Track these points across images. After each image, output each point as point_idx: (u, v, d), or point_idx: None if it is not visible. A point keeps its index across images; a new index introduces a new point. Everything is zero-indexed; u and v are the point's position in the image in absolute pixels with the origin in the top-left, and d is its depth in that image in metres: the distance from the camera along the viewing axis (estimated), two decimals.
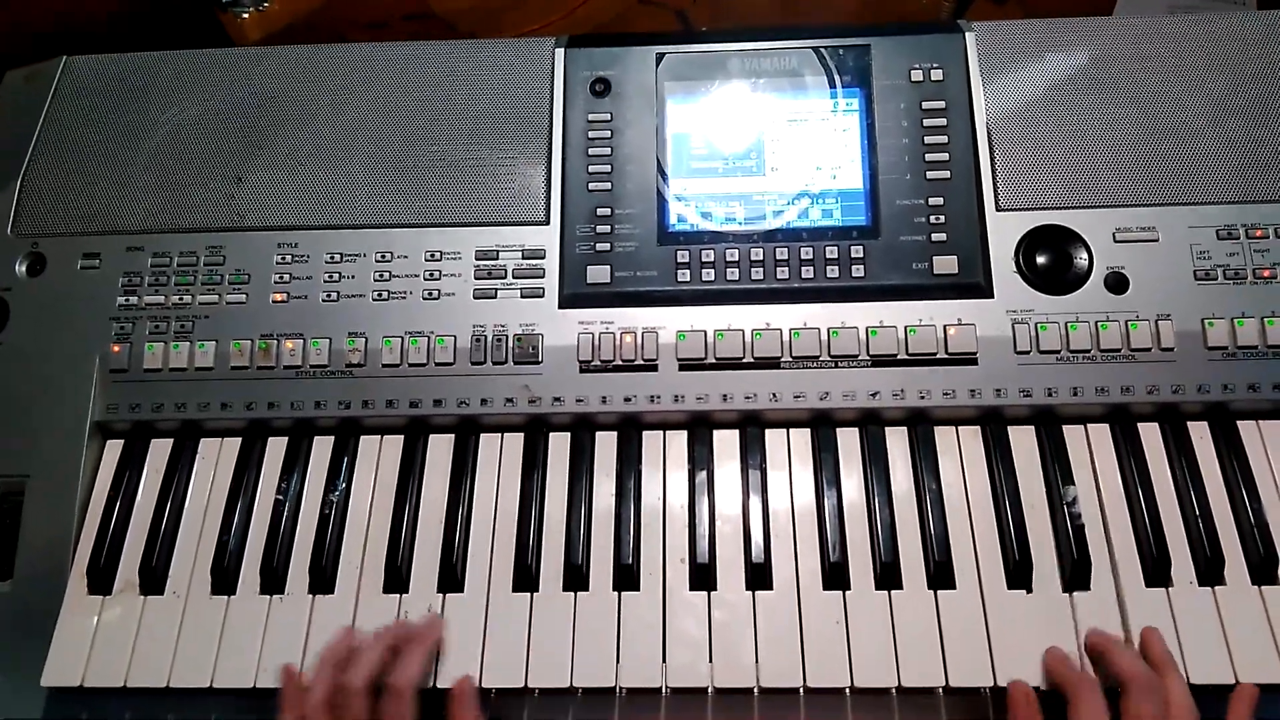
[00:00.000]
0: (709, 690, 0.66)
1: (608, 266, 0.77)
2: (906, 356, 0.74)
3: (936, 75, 0.80)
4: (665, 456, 0.75)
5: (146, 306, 0.78)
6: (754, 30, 0.83)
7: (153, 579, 0.71)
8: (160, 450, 0.77)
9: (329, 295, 0.77)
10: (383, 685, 0.63)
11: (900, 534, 0.71)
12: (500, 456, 0.75)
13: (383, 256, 0.78)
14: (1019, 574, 0.68)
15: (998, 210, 0.77)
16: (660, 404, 0.74)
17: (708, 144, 0.80)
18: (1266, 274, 0.74)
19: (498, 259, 0.78)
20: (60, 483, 0.74)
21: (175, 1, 1.11)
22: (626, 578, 0.70)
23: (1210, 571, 0.68)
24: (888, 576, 0.69)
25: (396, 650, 0.65)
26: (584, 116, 0.81)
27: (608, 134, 0.80)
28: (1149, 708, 0.60)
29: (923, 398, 0.73)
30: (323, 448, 0.76)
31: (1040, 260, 0.75)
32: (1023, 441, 0.74)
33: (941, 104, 0.79)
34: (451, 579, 0.70)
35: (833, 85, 0.81)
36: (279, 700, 0.65)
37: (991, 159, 0.78)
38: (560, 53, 0.83)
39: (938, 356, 0.74)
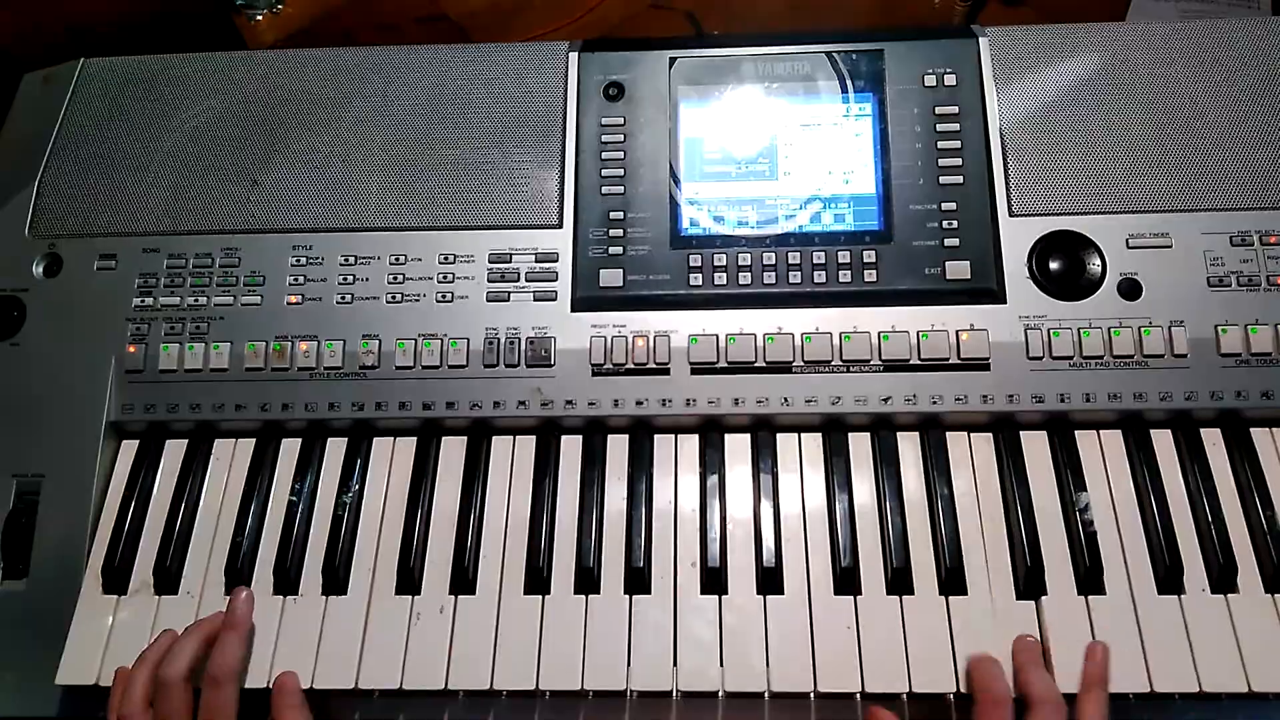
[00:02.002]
0: (719, 694, 0.66)
1: (620, 270, 0.78)
2: (919, 361, 0.74)
3: (950, 80, 0.80)
4: (677, 460, 0.75)
5: (162, 308, 0.78)
6: (767, 34, 0.83)
7: (167, 579, 0.72)
8: (175, 451, 0.77)
9: (343, 297, 0.78)
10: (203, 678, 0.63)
11: (911, 539, 0.71)
12: (512, 459, 0.76)
13: (396, 259, 0.78)
14: (1031, 580, 0.68)
15: (1011, 216, 0.77)
16: (672, 407, 0.74)
17: (721, 148, 0.80)
18: None
19: (511, 262, 0.78)
20: (75, 482, 0.75)
21: (189, 4, 1.11)
22: (638, 581, 0.70)
23: (1223, 579, 0.68)
24: (899, 581, 0.69)
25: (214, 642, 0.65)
26: (597, 120, 0.81)
27: (621, 138, 0.81)
28: None
29: (935, 403, 0.73)
30: (336, 449, 0.77)
31: (1053, 266, 0.75)
32: (1035, 447, 0.74)
33: (955, 109, 0.79)
34: (463, 581, 0.71)
35: (845, 90, 0.81)
36: (109, 703, 0.65)
37: (1005, 164, 0.78)
38: (574, 56, 0.83)
39: (950, 361, 0.74)
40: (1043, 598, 0.68)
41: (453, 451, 0.76)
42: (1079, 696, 0.63)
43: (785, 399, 0.74)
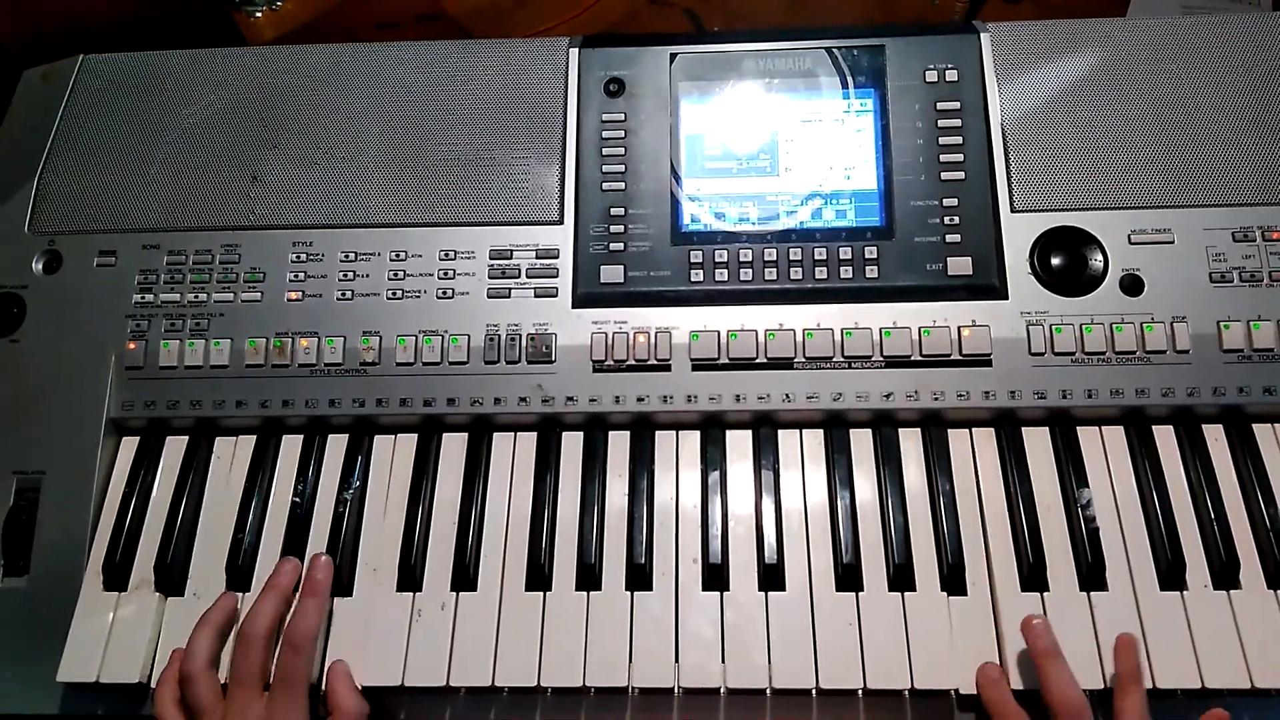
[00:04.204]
0: (721, 691, 0.66)
1: (621, 266, 0.77)
2: (920, 357, 0.74)
3: (951, 76, 0.80)
4: (678, 456, 0.75)
5: (162, 304, 0.78)
6: (768, 30, 0.83)
7: (168, 576, 0.72)
8: (175, 448, 0.77)
9: (344, 294, 0.78)
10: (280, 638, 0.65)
11: (913, 536, 0.70)
12: (513, 456, 0.75)
13: (397, 255, 0.78)
14: (1033, 577, 0.68)
15: (1012, 211, 0.76)
16: (673, 404, 0.74)
17: (721, 144, 0.80)
18: None
19: (511, 258, 0.78)
20: (76, 479, 0.75)
21: (190, 3, 1.11)
22: (639, 577, 0.70)
23: (1225, 575, 0.68)
24: (901, 578, 0.69)
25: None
26: (598, 116, 0.81)
27: (622, 134, 0.80)
28: None
29: (936, 399, 0.73)
30: (337, 446, 0.77)
31: (1055, 262, 0.75)
32: (1037, 443, 0.74)
33: (956, 105, 0.79)
34: (465, 577, 0.71)
35: (847, 86, 0.81)
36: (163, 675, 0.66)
37: (1006, 160, 0.78)
38: (575, 53, 0.83)
39: (952, 358, 0.74)
40: (1045, 594, 0.68)
41: (454, 448, 0.76)
42: (1115, 695, 0.62)
43: (787, 395, 0.74)
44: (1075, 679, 0.62)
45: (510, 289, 0.77)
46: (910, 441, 0.74)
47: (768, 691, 0.66)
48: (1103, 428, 0.74)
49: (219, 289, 0.78)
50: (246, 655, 0.64)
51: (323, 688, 0.67)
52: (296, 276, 0.78)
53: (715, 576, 0.70)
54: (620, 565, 0.71)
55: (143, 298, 0.79)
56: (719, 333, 0.75)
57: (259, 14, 1.17)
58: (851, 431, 0.75)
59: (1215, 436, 0.73)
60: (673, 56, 0.82)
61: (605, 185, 0.79)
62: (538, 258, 0.78)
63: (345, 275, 0.78)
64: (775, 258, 0.77)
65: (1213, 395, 0.72)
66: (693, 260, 0.77)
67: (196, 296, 0.78)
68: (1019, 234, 0.76)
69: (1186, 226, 0.75)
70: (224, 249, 0.79)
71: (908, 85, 0.80)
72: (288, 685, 0.63)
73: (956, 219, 0.77)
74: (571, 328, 0.76)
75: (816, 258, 0.77)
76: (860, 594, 0.69)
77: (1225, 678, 0.64)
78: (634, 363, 0.75)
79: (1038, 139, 0.78)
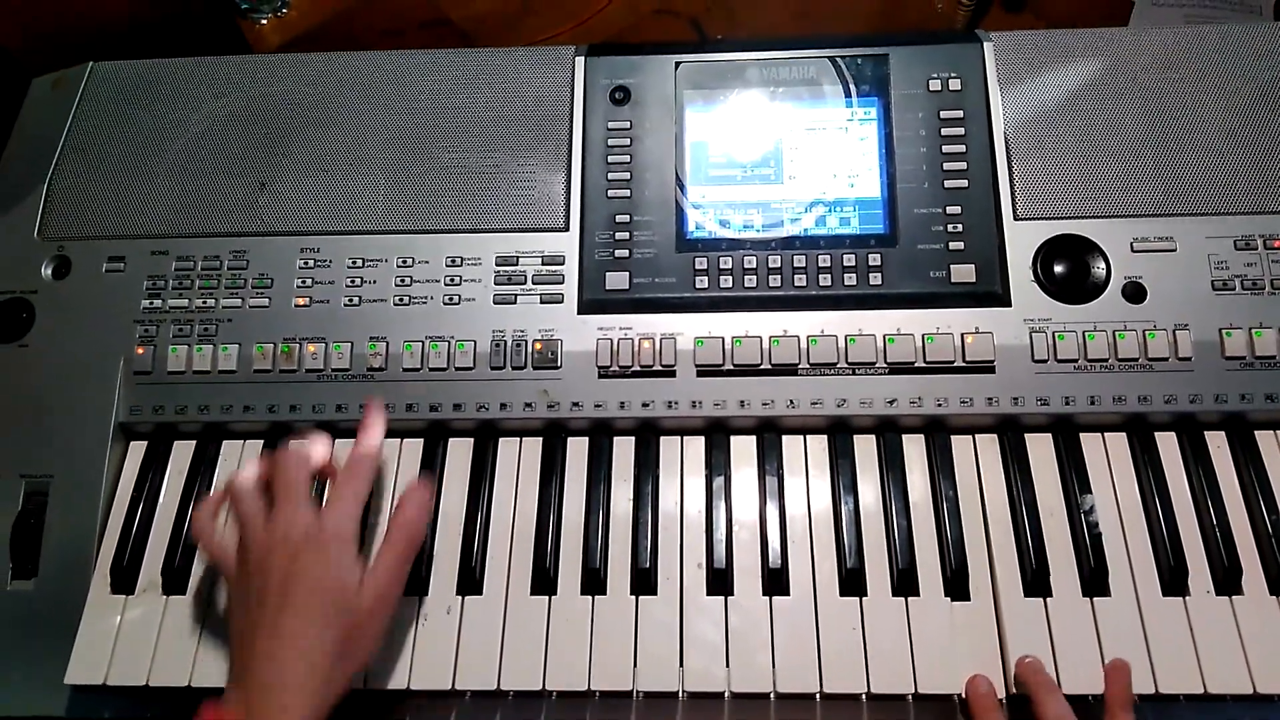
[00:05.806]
0: (725, 695, 0.67)
1: (626, 273, 0.78)
2: (924, 364, 0.74)
3: (955, 85, 0.80)
4: (683, 462, 0.75)
5: (170, 309, 0.79)
6: (772, 39, 0.84)
7: (175, 579, 0.72)
8: (183, 452, 0.77)
9: (351, 300, 0.78)
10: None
11: (917, 541, 0.71)
12: (519, 460, 0.76)
13: (404, 262, 0.79)
14: (1036, 582, 0.69)
15: (1015, 219, 0.77)
16: (678, 410, 0.75)
17: (726, 152, 0.81)
18: None
19: (518, 265, 0.78)
20: (84, 483, 0.75)
21: (194, 8, 1.12)
22: (644, 582, 0.70)
23: (1227, 581, 0.68)
24: (904, 583, 0.69)
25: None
26: (604, 124, 0.81)
27: (627, 141, 0.81)
28: None
29: (940, 405, 0.74)
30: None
31: (1058, 269, 0.76)
32: (1040, 450, 0.74)
33: (959, 113, 0.79)
34: (470, 581, 0.71)
35: (850, 94, 0.81)
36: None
37: (1009, 168, 0.78)
38: (580, 61, 0.83)
39: (955, 364, 0.74)
40: (1048, 599, 0.68)
41: (459, 453, 0.76)
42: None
43: (791, 401, 0.74)
44: (1071, 712, 0.62)
45: (516, 295, 0.78)
46: (914, 447, 0.75)
47: (772, 696, 0.66)
48: (1105, 434, 0.74)
49: (227, 295, 0.79)
50: (287, 468, 0.65)
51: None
52: (304, 282, 0.79)
53: (719, 581, 0.70)
54: (625, 570, 0.71)
55: (151, 303, 0.79)
56: (724, 339, 0.75)
57: (264, 20, 1.18)
58: (855, 437, 0.75)
59: (1217, 443, 0.74)
60: (678, 65, 0.83)
61: (611, 192, 0.80)
62: (543, 264, 0.78)
63: (352, 281, 0.79)
64: (779, 265, 0.77)
65: (1215, 402, 0.73)
66: (698, 267, 0.78)
67: (205, 302, 0.79)
68: (1022, 241, 0.77)
69: (1188, 235, 0.76)
70: (232, 255, 0.80)
71: (911, 94, 0.80)
72: (352, 477, 0.65)
73: (960, 226, 0.77)
74: (577, 334, 0.77)
75: (820, 265, 0.77)
76: (864, 599, 0.69)
77: (1227, 683, 0.64)
78: (639, 369, 0.75)
79: (1040, 147, 0.78)
